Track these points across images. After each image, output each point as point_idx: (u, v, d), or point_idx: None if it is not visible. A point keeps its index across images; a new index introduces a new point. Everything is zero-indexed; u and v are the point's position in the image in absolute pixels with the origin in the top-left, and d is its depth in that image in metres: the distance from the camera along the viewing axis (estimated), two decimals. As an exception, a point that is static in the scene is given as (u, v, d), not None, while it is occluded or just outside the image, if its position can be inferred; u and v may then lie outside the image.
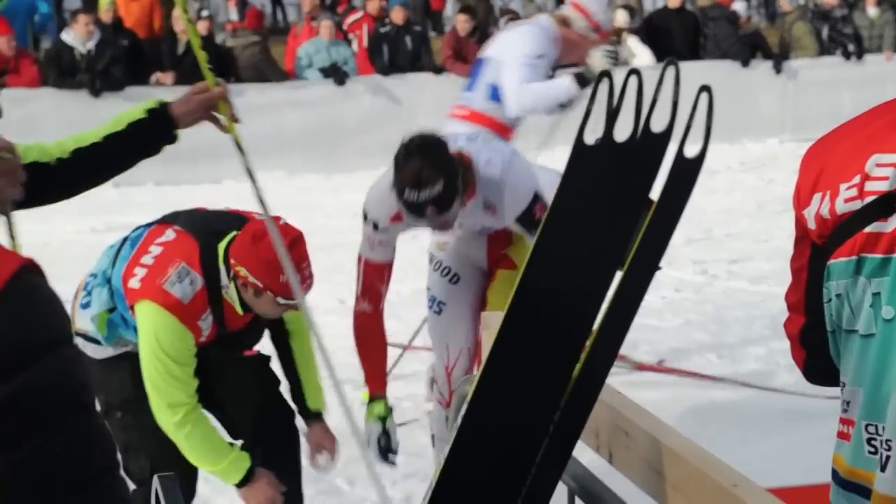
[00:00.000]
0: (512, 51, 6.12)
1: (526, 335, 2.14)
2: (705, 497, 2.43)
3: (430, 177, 4.15)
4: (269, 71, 13.64)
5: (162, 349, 3.85)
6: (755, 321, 7.36)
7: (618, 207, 2.07)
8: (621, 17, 14.40)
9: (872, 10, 14.71)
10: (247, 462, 3.97)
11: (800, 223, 2.38)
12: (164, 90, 12.57)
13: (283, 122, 12.91)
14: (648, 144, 2.01)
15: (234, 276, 3.88)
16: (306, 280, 3.85)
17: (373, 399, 4.61)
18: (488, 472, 2.22)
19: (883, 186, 2.18)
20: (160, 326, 3.86)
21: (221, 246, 3.93)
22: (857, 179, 2.22)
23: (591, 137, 1.98)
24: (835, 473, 2.36)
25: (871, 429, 2.24)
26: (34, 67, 12.34)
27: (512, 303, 2.13)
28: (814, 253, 2.37)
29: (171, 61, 12.82)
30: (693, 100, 2.04)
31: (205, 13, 14.18)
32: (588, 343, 2.17)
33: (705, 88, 2.01)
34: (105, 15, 13.42)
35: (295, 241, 3.82)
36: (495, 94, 6.08)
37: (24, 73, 12.20)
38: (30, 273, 1.54)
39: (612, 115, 1.95)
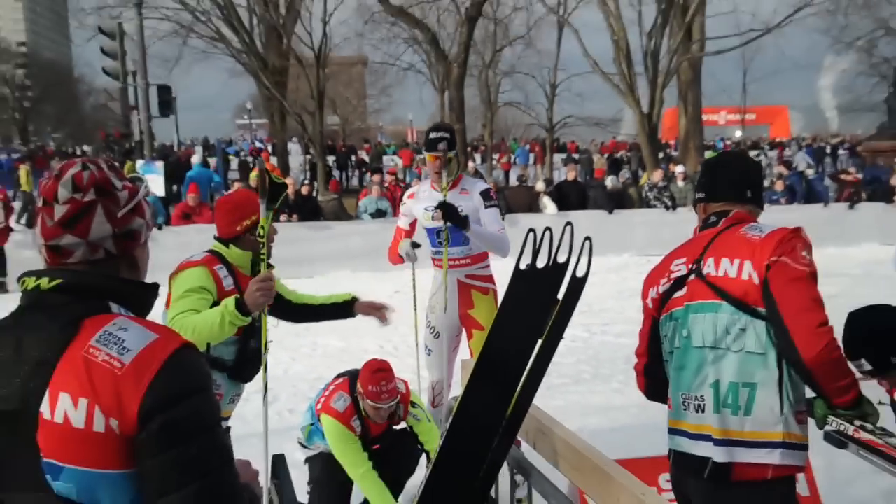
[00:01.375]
0: None
1: (487, 375, 2.12)
2: (586, 471, 2.40)
3: (446, 129, 4.46)
4: (342, 214, 13.67)
5: (335, 437, 3.92)
6: (618, 360, 7.29)
7: (539, 304, 2.07)
8: (541, 185, 14.47)
9: (681, 183, 14.83)
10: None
11: (645, 308, 2.62)
12: (287, 225, 12.54)
13: (349, 243, 12.91)
14: (556, 269, 2.03)
15: (361, 392, 3.93)
16: (383, 392, 3.87)
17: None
18: (465, 451, 2.19)
19: (678, 274, 2.52)
20: (330, 426, 3.94)
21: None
22: (667, 274, 2.55)
23: (524, 265, 2.00)
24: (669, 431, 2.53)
25: (683, 395, 2.46)
26: (210, 213, 12.35)
27: (479, 356, 2.12)
28: (652, 323, 2.60)
29: (284, 207, 12.82)
30: (581, 242, 2.07)
31: (305, 181, 14.22)
32: (522, 379, 2.16)
33: (587, 238, 2.03)
34: (253, 182, 13.53)
35: (381, 367, 3.90)
36: None
37: (204, 215, 12.23)
38: (186, 349, 1.48)
39: (535, 252, 1.97)
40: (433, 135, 4.46)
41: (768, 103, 45.96)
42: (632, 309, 10.60)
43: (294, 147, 33.30)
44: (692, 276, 2.48)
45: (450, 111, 23.12)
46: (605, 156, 30.94)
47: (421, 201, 4.67)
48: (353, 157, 29.49)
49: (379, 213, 13.41)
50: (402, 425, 4.22)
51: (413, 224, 4.82)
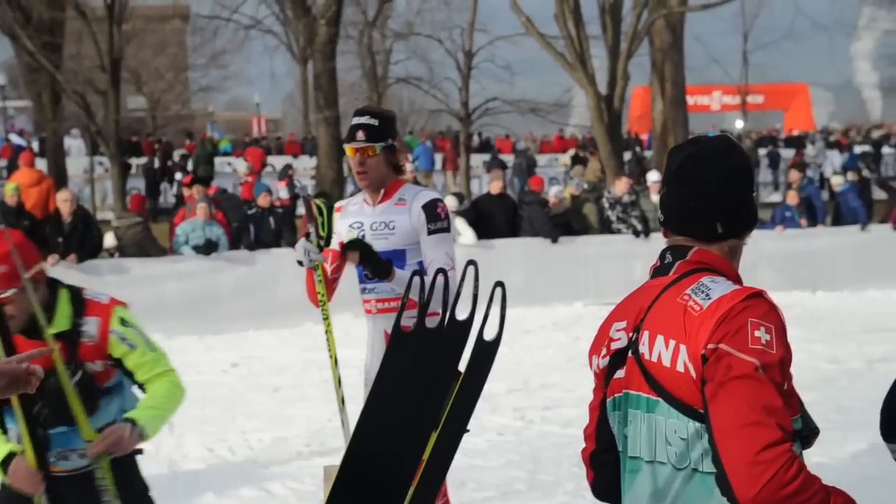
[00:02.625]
0: None
1: (356, 489, 2.17)
2: None
3: (373, 113, 4.81)
4: (150, 247, 13.52)
5: None
6: (564, 460, 7.42)
7: (430, 380, 2.15)
8: (451, 202, 14.69)
9: (655, 197, 15.32)
10: (6, 449, 3.76)
11: (595, 377, 2.75)
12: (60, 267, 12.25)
13: (162, 291, 12.76)
14: (454, 330, 2.11)
15: None
16: None
17: None
18: None
19: (618, 345, 2.61)
20: None
21: None
22: (606, 342, 2.65)
23: (406, 322, 2.07)
24: None
25: None
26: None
27: (343, 461, 2.17)
28: (603, 397, 2.70)
29: (55, 240, 12.55)
30: (491, 290, 2.16)
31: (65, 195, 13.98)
32: (409, 494, 2.21)
33: (499, 284, 2.12)
34: (10, 199, 13.28)
35: None
36: None
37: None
38: None
39: (423, 307, 2.05)
40: (354, 120, 4.82)
41: (781, 80, 48.07)
42: (587, 383, 10.73)
43: (74, 144, 32.74)
44: (630, 353, 2.58)
45: (315, 91, 23.27)
46: (571, 153, 31.17)
47: (348, 216, 4.96)
48: (167, 160, 29.13)
49: (209, 246, 13.31)
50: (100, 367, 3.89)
51: (338, 251, 5.00)
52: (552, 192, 16.23)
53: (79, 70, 25.30)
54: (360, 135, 4.73)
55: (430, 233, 4.73)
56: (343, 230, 4.94)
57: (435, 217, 4.76)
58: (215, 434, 8.38)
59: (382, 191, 4.84)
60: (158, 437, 8.24)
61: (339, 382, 4.97)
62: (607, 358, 2.63)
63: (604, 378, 2.66)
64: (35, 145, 30.76)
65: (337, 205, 5.08)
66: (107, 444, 3.75)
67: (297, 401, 9.49)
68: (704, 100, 47.63)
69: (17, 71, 29.94)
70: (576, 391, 9.41)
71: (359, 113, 4.85)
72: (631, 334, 2.57)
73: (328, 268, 5.01)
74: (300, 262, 4.87)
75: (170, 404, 3.98)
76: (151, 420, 3.90)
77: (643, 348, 2.50)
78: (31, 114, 32.63)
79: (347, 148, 4.82)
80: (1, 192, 14.24)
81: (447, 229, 4.78)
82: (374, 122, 4.76)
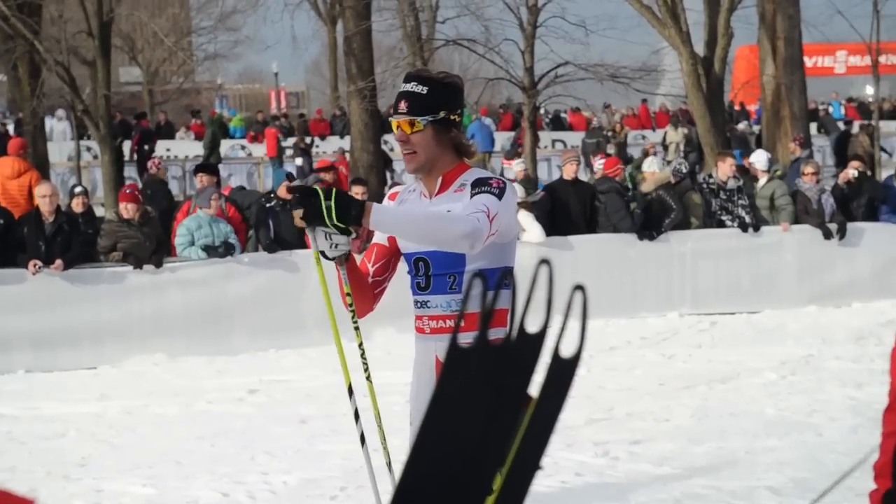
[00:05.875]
0: None
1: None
2: None
3: (421, 79, 4.76)
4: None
5: None
6: (660, 508, 7.40)
7: (495, 408, 2.12)
8: (518, 191, 14.64)
9: (764, 181, 15.18)
10: None
11: (892, 390, 2.52)
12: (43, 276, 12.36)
13: (163, 303, 12.84)
14: (524, 345, 2.07)
15: None
16: None
17: None
18: None
19: None
20: None
21: None
22: None
23: (466, 339, 2.04)
24: None
25: None
26: None
27: (390, 507, 2.15)
28: None
29: (35, 243, 12.58)
30: (569, 294, 2.12)
31: (78, 189, 14.14)
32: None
33: (578, 287, 2.09)
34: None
35: None
36: None
37: None
38: None
39: (486, 315, 2.01)
40: (402, 87, 4.83)
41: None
42: (685, 411, 10.74)
43: (58, 126, 33.09)
44: None
45: (346, 57, 23.34)
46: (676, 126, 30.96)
47: (404, 206, 4.91)
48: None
49: (226, 248, 13.31)
50: None
51: (386, 247, 4.96)
52: (645, 166, 15.99)
53: (61, 36, 25.57)
54: (403, 105, 4.69)
55: (473, 195, 4.62)
56: None
57: (483, 183, 4.66)
58: (230, 476, 8.42)
59: (440, 179, 4.76)
60: (162, 479, 8.35)
61: (378, 414, 4.92)
62: None
63: None
64: (11, 127, 31.15)
65: (391, 191, 5.09)
66: None
67: (329, 435, 9.52)
68: (827, 61, 47.14)
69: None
70: (671, 421, 9.36)
71: (406, 79, 4.82)
72: None
73: (370, 268, 4.93)
74: (323, 254, 4.68)
75: None
76: None
77: None
78: (6, 89, 32.95)
79: (393, 123, 4.80)
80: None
81: (491, 192, 4.60)
82: (422, 89, 4.69)
